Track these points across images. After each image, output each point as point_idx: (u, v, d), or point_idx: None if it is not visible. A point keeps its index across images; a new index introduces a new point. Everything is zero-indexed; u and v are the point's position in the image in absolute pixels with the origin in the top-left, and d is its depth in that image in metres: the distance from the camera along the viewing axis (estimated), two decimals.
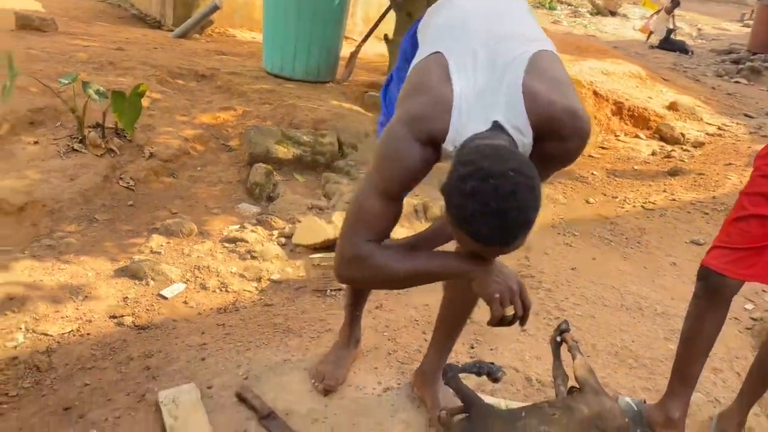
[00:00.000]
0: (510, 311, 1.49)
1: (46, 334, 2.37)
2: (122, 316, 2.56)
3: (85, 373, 2.22)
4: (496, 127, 1.41)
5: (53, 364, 2.24)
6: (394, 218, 1.55)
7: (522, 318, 1.52)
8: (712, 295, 2.05)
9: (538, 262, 3.39)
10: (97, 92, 3.55)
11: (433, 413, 2.00)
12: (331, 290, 2.94)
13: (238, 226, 3.47)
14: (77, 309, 2.55)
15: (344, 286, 2.89)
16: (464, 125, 1.41)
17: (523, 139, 1.42)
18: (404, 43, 1.92)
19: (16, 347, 2.28)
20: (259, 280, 3.01)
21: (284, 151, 4.17)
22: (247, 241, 3.29)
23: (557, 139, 1.44)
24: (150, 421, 1.95)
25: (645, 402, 2.23)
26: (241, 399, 2.05)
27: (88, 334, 2.43)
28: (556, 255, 3.57)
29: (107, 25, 7.17)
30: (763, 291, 3.35)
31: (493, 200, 1.25)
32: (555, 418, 1.65)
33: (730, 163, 5.54)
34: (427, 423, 2.03)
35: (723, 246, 2.01)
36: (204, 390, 2.08)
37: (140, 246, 3.09)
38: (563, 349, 1.95)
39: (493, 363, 1.75)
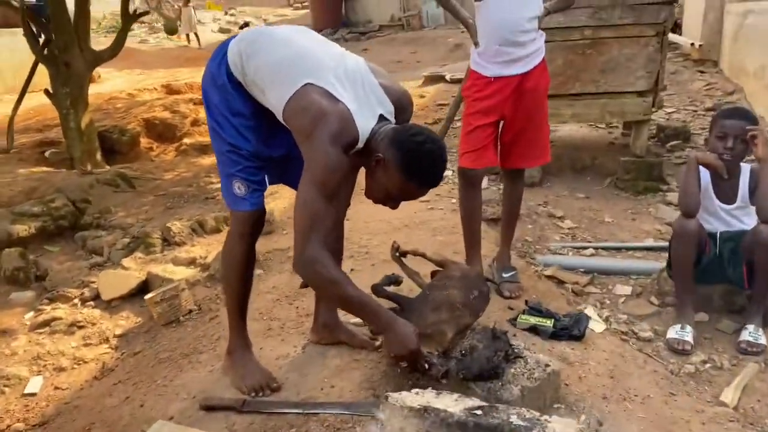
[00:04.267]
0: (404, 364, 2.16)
1: None
2: (9, 426, 2.45)
3: None
4: (383, 118, 2.07)
5: None
6: (333, 218, 2.12)
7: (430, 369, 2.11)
8: (468, 184, 3.09)
9: None
10: None
11: (355, 341, 2.59)
12: (182, 317, 3.17)
13: (32, 312, 3.34)
14: None
15: (196, 308, 3.19)
16: (365, 126, 2.01)
17: (392, 119, 2.12)
18: (209, 82, 2.20)
19: None
20: (107, 340, 3.06)
21: (25, 228, 3.97)
22: (61, 318, 3.22)
23: (403, 111, 2.18)
24: None
25: None
26: (209, 408, 2.32)
27: None
28: None
29: None
30: None
31: (441, 156, 1.97)
32: (447, 284, 2.45)
33: None
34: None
35: (465, 152, 3.05)
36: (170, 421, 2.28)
37: None
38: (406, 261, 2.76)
39: (393, 273, 2.47)
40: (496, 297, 3.12)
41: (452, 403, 1.81)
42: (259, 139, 2.21)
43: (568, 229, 4.14)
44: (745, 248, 2.85)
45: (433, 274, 2.69)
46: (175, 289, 3.18)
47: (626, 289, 3.40)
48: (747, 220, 2.95)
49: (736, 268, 2.92)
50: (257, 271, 3.59)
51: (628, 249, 3.81)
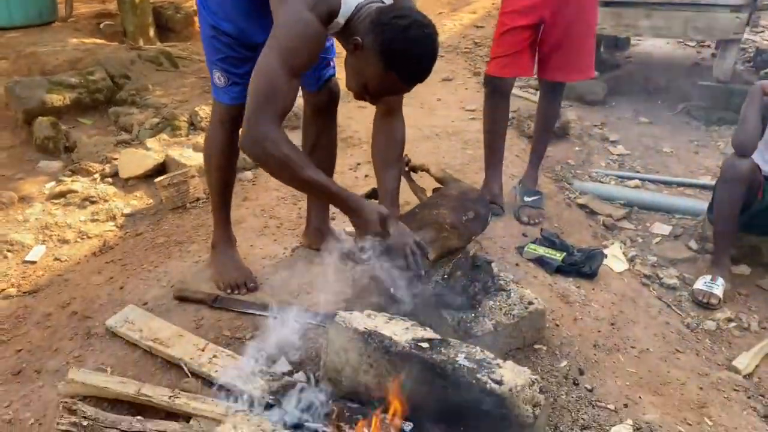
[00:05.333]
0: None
1: None
2: (3, 290, 2.52)
3: (9, 344, 2.23)
4: None
5: None
6: (295, 97, 1.81)
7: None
8: (495, 93, 2.78)
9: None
10: None
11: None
12: (189, 203, 3.13)
13: (54, 183, 3.38)
14: None
15: (204, 196, 3.13)
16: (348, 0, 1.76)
17: None
18: None
19: None
20: (114, 218, 3.07)
21: (60, 99, 3.97)
22: (76, 191, 3.24)
23: None
24: (112, 345, 2.11)
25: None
26: (183, 299, 2.29)
27: None
28: None
29: None
30: None
31: (428, 45, 1.66)
32: (439, 203, 2.24)
33: (440, 12, 6.51)
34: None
35: (496, 56, 2.71)
36: (142, 308, 2.26)
37: None
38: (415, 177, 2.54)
39: (373, 188, 2.29)
40: (513, 222, 2.89)
41: (401, 332, 1.66)
42: (243, 19, 2.00)
43: (618, 155, 3.76)
44: None
45: (435, 189, 2.48)
46: (184, 174, 3.12)
47: (665, 229, 3.07)
48: None
49: None
50: None
51: (679, 185, 3.42)
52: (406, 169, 2.58)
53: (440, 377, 1.55)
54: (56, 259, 2.75)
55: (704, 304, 2.50)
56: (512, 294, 2.02)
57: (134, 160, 3.46)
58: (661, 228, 3.07)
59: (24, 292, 2.51)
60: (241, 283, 2.33)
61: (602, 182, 3.42)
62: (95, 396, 1.86)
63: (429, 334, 1.67)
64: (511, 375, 1.52)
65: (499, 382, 1.49)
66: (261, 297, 2.29)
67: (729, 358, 2.24)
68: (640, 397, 1.91)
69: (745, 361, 2.20)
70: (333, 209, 2.50)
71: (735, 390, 2.03)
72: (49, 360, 2.11)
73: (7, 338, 2.26)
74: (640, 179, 3.44)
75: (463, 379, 1.52)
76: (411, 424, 1.55)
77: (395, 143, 2.14)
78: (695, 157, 3.77)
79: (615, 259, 2.74)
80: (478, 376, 1.51)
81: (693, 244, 2.91)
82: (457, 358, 1.56)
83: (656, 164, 3.66)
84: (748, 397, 2.03)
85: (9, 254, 2.75)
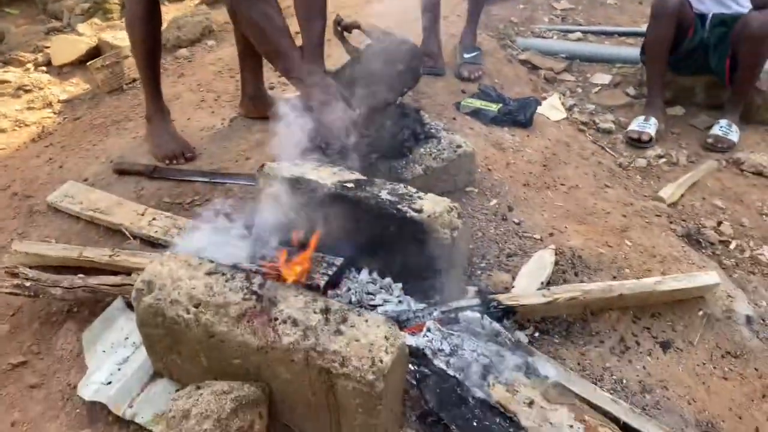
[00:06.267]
0: None
1: None
2: None
3: None
4: None
5: None
6: None
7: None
8: None
9: None
10: None
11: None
12: (126, 85, 3.06)
13: None
14: None
15: (137, 76, 3.05)
16: None
17: None
18: None
19: None
20: (50, 105, 3.01)
21: None
22: (9, 81, 3.15)
23: None
24: (55, 220, 2.13)
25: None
26: (122, 172, 2.30)
27: None
28: None
29: None
30: None
31: None
32: (369, 56, 2.22)
33: None
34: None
35: None
36: (83, 183, 2.27)
37: None
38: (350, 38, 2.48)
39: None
40: (453, 80, 2.89)
41: (328, 176, 1.71)
42: None
43: (562, 10, 3.71)
44: (734, 38, 2.47)
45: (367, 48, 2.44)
46: (117, 55, 3.04)
47: (605, 78, 3.10)
48: (746, 3, 2.53)
49: (721, 59, 2.57)
50: (208, 42, 3.39)
51: (620, 35, 3.41)
52: (339, 28, 2.53)
53: (365, 212, 1.61)
54: None
55: (636, 141, 2.58)
56: (442, 141, 2.07)
57: (66, 47, 3.35)
58: (602, 78, 3.10)
59: None
60: (178, 153, 2.33)
61: (545, 37, 3.40)
62: (41, 265, 1.91)
63: (355, 176, 1.72)
64: (431, 204, 1.59)
65: (419, 211, 1.56)
66: (199, 165, 2.31)
67: (656, 190, 2.35)
68: (565, 227, 2.01)
69: (669, 191, 2.31)
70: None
71: (657, 216, 2.15)
72: None
73: None
74: (582, 32, 3.42)
75: (385, 211, 1.59)
76: (341, 258, 1.63)
77: None
78: (639, 7, 3.74)
79: (553, 108, 2.78)
80: (399, 206, 1.58)
81: (631, 91, 2.96)
82: (380, 194, 1.62)
83: (600, 17, 3.63)
84: (670, 222, 2.15)
85: None
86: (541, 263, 1.81)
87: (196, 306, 1.31)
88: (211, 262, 1.41)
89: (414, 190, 1.67)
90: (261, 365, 1.29)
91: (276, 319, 1.26)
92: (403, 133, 2.01)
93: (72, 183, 2.24)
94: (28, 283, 1.70)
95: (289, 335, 1.23)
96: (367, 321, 1.25)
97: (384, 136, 2.01)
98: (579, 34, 3.37)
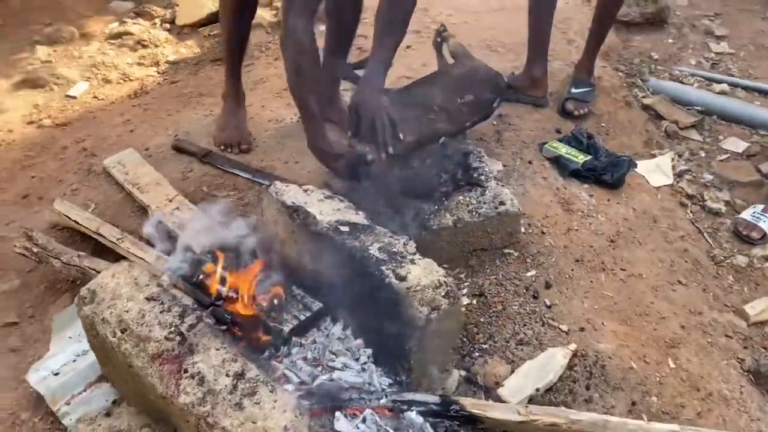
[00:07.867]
0: None
1: None
2: (39, 120, 2.69)
3: (27, 170, 2.41)
4: None
5: None
6: None
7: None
8: None
9: None
10: None
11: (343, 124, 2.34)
12: None
13: (117, 23, 3.47)
14: None
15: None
16: None
17: None
18: None
19: None
20: (157, 64, 3.13)
21: None
22: (132, 34, 3.32)
23: None
24: (104, 184, 2.21)
25: (514, 74, 2.65)
26: (179, 150, 2.33)
27: (13, 141, 2.57)
28: None
29: None
30: None
31: None
32: (436, 80, 2.03)
33: None
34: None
35: None
36: (142, 153, 2.32)
37: (28, 59, 3.09)
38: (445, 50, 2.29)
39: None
40: (553, 113, 2.59)
41: (329, 212, 1.57)
42: None
43: (717, 54, 3.19)
44: None
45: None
46: None
47: (740, 146, 2.62)
48: None
49: None
50: (320, 27, 3.33)
51: None
52: (438, 39, 2.34)
53: (349, 263, 1.46)
54: (95, 97, 2.88)
55: (743, 236, 2.15)
56: (487, 192, 1.84)
57: (191, 8, 3.46)
58: (736, 144, 2.62)
59: (56, 124, 2.67)
60: (235, 143, 2.31)
61: (683, 83, 2.94)
62: (70, 228, 1.98)
63: (357, 218, 1.57)
64: (420, 273, 1.41)
65: (402, 278, 1.39)
66: (250, 159, 2.27)
67: (745, 301, 1.94)
68: (603, 324, 1.72)
69: (761, 307, 1.89)
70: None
71: (727, 336, 1.77)
72: (53, 189, 2.26)
73: (28, 164, 2.44)
74: (730, 84, 2.91)
75: (367, 269, 1.43)
76: (319, 304, 1.51)
77: (399, 6, 1.94)
78: None
79: (658, 170, 2.40)
80: (383, 268, 1.41)
81: (765, 167, 2.47)
82: (370, 248, 1.46)
83: (762, 70, 3.07)
84: (744, 348, 1.76)
85: (55, 87, 2.91)
86: (548, 364, 1.55)
87: (123, 331, 1.26)
88: (159, 285, 1.35)
89: (412, 250, 1.48)
90: (168, 411, 1.21)
91: (186, 371, 1.17)
92: (439, 177, 1.81)
93: (131, 151, 2.29)
94: (35, 249, 1.76)
95: (188, 394, 1.13)
96: (275, 401, 1.13)
97: (421, 173, 1.83)
98: (725, 86, 2.87)
